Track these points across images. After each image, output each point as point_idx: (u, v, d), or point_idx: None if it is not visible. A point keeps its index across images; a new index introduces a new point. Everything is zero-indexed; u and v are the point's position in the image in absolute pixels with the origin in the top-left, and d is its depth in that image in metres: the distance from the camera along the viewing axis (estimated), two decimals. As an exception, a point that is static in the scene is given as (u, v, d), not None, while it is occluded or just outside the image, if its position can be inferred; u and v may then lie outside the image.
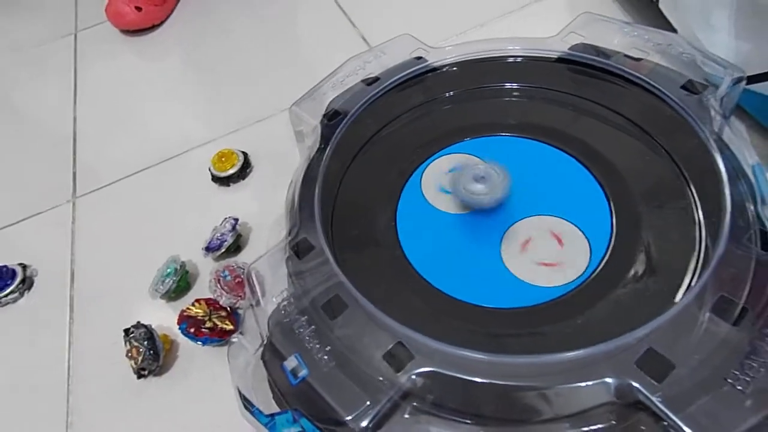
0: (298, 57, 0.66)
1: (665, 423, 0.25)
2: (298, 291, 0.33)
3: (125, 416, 0.41)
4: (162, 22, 0.74)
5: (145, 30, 0.73)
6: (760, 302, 0.27)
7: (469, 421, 0.28)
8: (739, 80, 0.37)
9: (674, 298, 0.30)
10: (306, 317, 0.32)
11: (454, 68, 0.46)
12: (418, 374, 0.28)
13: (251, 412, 0.32)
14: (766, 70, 0.40)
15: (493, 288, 0.35)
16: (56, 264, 0.52)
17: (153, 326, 0.43)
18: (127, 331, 0.42)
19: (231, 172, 0.54)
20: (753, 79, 0.41)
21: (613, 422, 0.26)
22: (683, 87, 0.37)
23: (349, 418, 0.28)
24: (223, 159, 0.55)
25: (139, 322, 0.42)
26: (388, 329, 0.30)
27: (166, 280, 0.45)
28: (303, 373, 0.30)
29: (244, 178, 0.55)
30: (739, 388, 0.24)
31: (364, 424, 0.28)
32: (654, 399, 0.25)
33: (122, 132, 0.63)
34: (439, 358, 0.28)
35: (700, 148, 0.34)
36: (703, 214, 0.33)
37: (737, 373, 0.25)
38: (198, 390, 0.41)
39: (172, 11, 0.75)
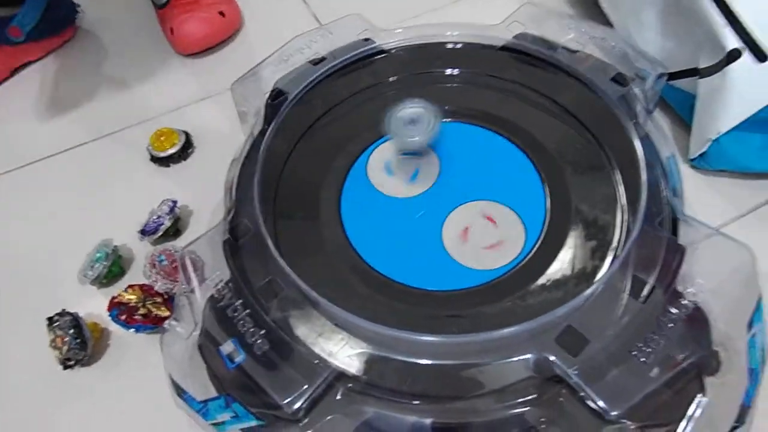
0: (245, 32, 0.64)
1: (581, 394, 0.27)
2: (234, 274, 0.33)
3: (52, 408, 0.39)
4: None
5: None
6: (666, 282, 0.29)
7: (401, 399, 0.28)
8: (662, 76, 0.39)
9: (594, 277, 0.32)
10: (242, 301, 0.31)
11: (401, 52, 0.46)
12: (352, 356, 0.28)
13: (184, 399, 0.31)
14: (687, 68, 0.42)
15: (432, 271, 0.35)
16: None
17: (81, 314, 0.41)
18: (50, 320, 0.40)
19: (171, 152, 0.52)
20: (675, 76, 0.43)
21: (535, 395, 0.28)
22: (613, 79, 0.39)
23: (283, 402, 0.28)
24: (162, 138, 0.53)
25: (64, 310, 0.40)
26: (323, 312, 0.30)
27: (96, 266, 0.42)
28: (240, 357, 0.30)
29: (185, 159, 0.53)
30: (642, 359, 0.26)
31: (296, 406, 0.28)
32: (570, 372, 0.26)
33: (51, 106, 0.59)
34: (373, 340, 0.28)
35: (624, 138, 0.36)
36: (626, 200, 0.35)
37: (642, 346, 0.27)
38: (131, 379, 0.40)
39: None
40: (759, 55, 0.36)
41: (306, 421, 0.28)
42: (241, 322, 0.30)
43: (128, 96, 0.59)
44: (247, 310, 0.30)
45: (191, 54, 0.61)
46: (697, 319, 0.29)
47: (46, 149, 0.55)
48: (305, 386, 0.28)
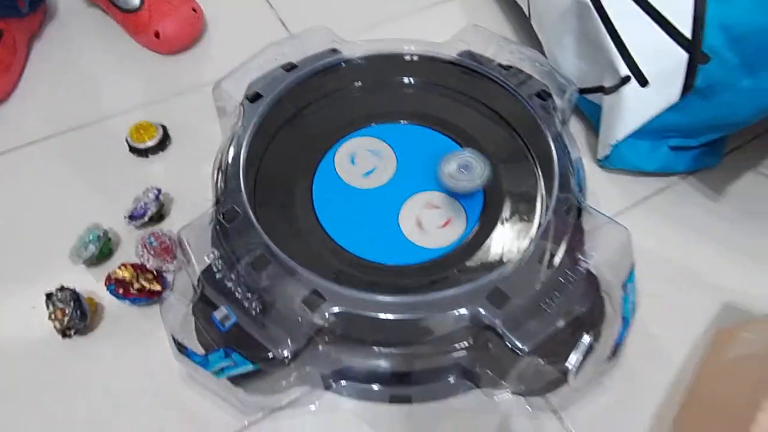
0: (215, 35, 0.68)
1: (504, 339, 0.36)
2: (227, 251, 0.39)
3: (56, 372, 0.43)
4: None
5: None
6: (570, 254, 0.39)
7: (367, 347, 0.36)
8: (575, 92, 0.49)
9: (518, 250, 0.41)
10: (235, 272, 0.37)
11: (363, 61, 0.53)
12: (329, 313, 0.36)
13: (186, 354, 0.37)
14: (596, 84, 0.53)
15: (390, 249, 0.43)
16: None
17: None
18: (49, 295, 0.44)
19: (150, 144, 0.56)
20: (585, 91, 0.53)
21: (471, 341, 0.36)
22: (537, 94, 0.48)
23: (274, 350, 0.35)
24: (141, 131, 0.57)
25: (63, 286, 0.44)
26: (304, 280, 0.37)
27: (90, 246, 0.47)
28: (231, 321, 0.37)
29: (163, 150, 0.57)
30: (547, 310, 0.36)
31: (285, 353, 0.35)
32: (495, 321, 0.35)
33: (39, 93, 0.61)
34: (345, 301, 0.36)
35: (544, 141, 0.45)
36: (544, 190, 0.45)
37: (549, 300, 0.36)
38: (127, 344, 0.45)
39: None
40: (641, 80, 0.47)
41: (292, 366, 0.35)
42: (238, 290, 0.37)
43: (105, 88, 0.62)
44: (241, 279, 0.37)
45: (172, 53, 0.65)
46: (590, 281, 0.38)
47: (27, 136, 0.57)
48: (290, 340, 0.35)
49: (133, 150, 0.57)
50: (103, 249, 0.48)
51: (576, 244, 0.39)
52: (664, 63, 0.45)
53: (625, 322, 0.39)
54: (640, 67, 0.46)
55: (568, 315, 0.36)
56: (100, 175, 0.55)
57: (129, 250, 0.49)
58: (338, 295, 0.36)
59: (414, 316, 0.36)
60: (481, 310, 0.35)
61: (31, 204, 0.53)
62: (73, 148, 0.57)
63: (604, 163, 0.54)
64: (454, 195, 0.46)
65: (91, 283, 0.48)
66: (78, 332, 0.44)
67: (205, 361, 0.37)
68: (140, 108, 0.61)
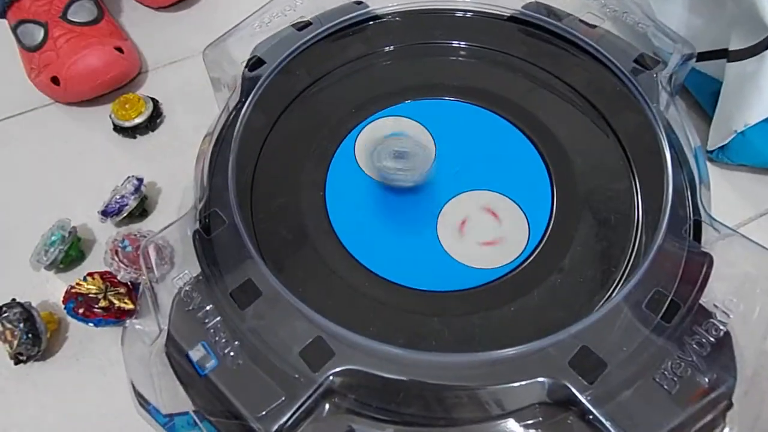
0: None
1: (591, 418, 0.24)
2: (205, 273, 0.29)
3: (3, 406, 0.35)
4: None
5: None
6: (689, 296, 0.27)
7: (393, 420, 0.25)
8: (689, 57, 0.35)
9: (609, 287, 0.29)
10: (212, 305, 0.27)
11: (397, 18, 0.41)
12: (338, 372, 0.25)
13: (147, 411, 0.28)
14: (714, 48, 0.39)
15: (426, 269, 0.32)
16: None
17: (36, 302, 0.37)
18: (1, 312, 0.35)
19: (137, 121, 0.47)
20: (701, 57, 0.39)
21: (540, 419, 0.25)
22: (635, 60, 0.35)
23: (259, 423, 0.24)
24: (127, 106, 0.47)
25: (14, 300, 0.36)
26: (306, 321, 0.26)
27: (51, 249, 0.38)
28: (211, 363, 0.27)
29: (153, 130, 0.48)
30: (666, 387, 0.24)
31: (275, 427, 0.25)
32: (583, 399, 0.24)
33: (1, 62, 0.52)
34: (362, 355, 0.25)
35: (646, 129, 0.32)
36: (642, 200, 0.32)
37: (665, 372, 0.24)
38: (90, 375, 0.36)
39: None
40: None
41: (284, 442, 0.25)
42: (212, 330, 0.27)
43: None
44: (219, 317, 0.27)
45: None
46: (723, 340, 0.26)
47: (-6, 112, 0.49)
48: (284, 403, 0.25)
49: (118, 129, 0.47)
50: (71, 252, 0.39)
51: (700, 281, 0.27)
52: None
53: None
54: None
55: (696, 395, 0.24)
56: (77, 160, 0.46)
57: (99, 254, 0.40)
58: (353, 345, 0.25)
59: (460, 383, 0.25)
60: (566, 383, 0.24)
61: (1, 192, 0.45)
62: (47, 126, 0.48)
63: (718, 156, 0.41)
64: (511, 197, 0.34)
65: (58, 294, 0.39)
66: (32, 358, 0.35)
67: (170, 425, 0.27)
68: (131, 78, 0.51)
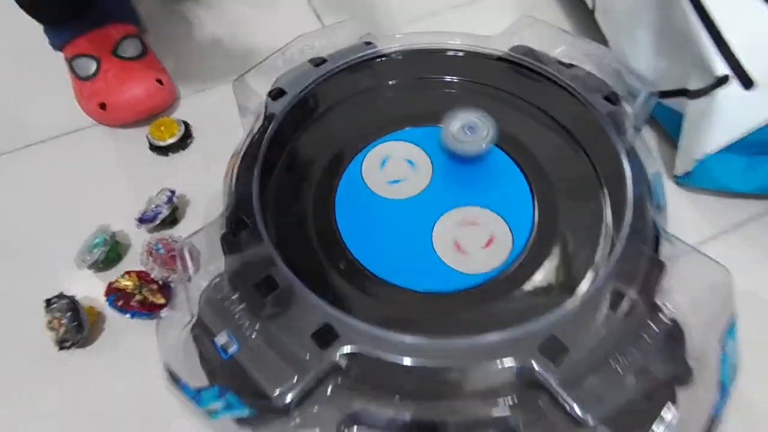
0: (247, 27, 0.64)
1: (559, 400, 0.28)
2: (231, 268, 0.34)
3: (47, 388, 0.40)
4: None
5: None
6: (646, 297, 0.31)
7: (386, 396, 0.30)
8: (652, 95, 0.40)
9: (578, 288, 0.34)
10: (237, 295, 0.32)
11: (401, 56, 0.47)
12: (343, 354, 0.30)
13: (178, 386, 0.33)
14: (677, 87, 0.44)
15: (422, 273, 0.37)
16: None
17: (78, 297, 0.42)
18: (48, 302, 0.41)
19: (170, 141, 0.53)
20: (665, 95, 0.45)
21: (515, 399, 0.29)
22: (605, 97, 0.40)
23: (274, 393, 0.29)
24: (162, 128, 0.53)
25: (62, 293, 0.41)
26: (316, 310, 0.31)
27: (94, 251, 0.43)
28: (233, 348, 0.31)
29: (184, 149, 0.54)
30: (620, 370, 0.28)
31: (287, 398, 0.29)
32: (550, 379, 0.28)
33: (53, 88, 0.59)
34: (364, 339, 0.30)
35: (613, 155, 0.37)
36: (611, 214, 0.37)
37: (620, 357, 0.28)
38: (126, 362, 0.41)
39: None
40: (746, 81, 0.38)
41: (296, 413, 0.29)
42: (237, 315, 0.31)
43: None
44: (243, 304, 0.32)
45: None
46: (674, 334, 0.30)
47: (46, 132, 0.55)
48: (296, 380, 0.29)
49: (153, 148, 0.53)
50: (110, 253, 0.45)
51: (655, 285, 0.31)
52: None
53: (724, 389, 0.30)
54: (744, 65, 0.38)
55: (646, 378, 0.28)
56: (117, 174, 0.52)
57: (135, 256, 0.45)
58: (355, 331, 0.30)
59: (445, 364, 0.29)
60: (534, 364, 0.28)
61: (45, 202, 0.50)
62: (92, 144, 0.54)
63: (684, 181, 0.45)
64: (498, 211, 0.39)
65: (97, 290, 0.44)
66: (75, 345, 0.40)
67: (197, 397, 0.31)
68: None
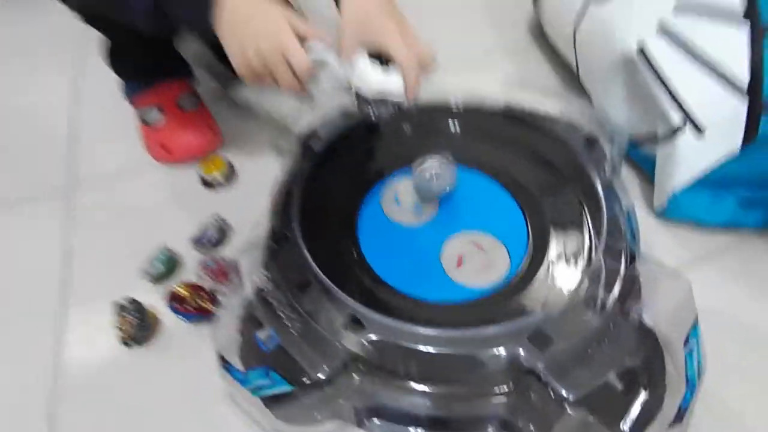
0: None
1: (547, 386, 0.34)
2: (275, 273, 0.41)
3: (113, 380, 0.47)
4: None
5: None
6: (622, 302, 0.38)
7: (403, 380, 0.36)
8: (626, 140, 0.49)
9: (563, 294, 0.40)
10: (281, 293, 0.39)
11: (414, 108, 0.56)
12: (367, 341, 0.36)
13: (228, 370, 0.39)
14: (649, 134, 0.52)
15: (432, 286, 0.44)
16: (51, 248, 0.57)
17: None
18: (121, 306, 0.48)
19: (217, 177, 0.62)
20: (640, 142, 0.53)
21: (511, 385, 0.35)
22: (586, 140, 0.48)
23: (310, 371, 0.36)
24: (211, 165, 0.62)
25: (133, 299, 0.48)
26: (345, 306, 0.38)
27: (157, 265, 0.51)
28: (273, 341, 0.38)
29: (229, 183, 0.63)
30: (596, 358, 0.34)
31: (323, 376, 0.36)
32: (537, 364, 0.34)
33: (121, 134, 0.69)
34: (383, 329, 0.37)
35: (593, 189, 0.45)
36: (594, 236, 0.44)
37: (597, 347, 0.35)
38: (178, 359, 0.47)
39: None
40: (696, 130, 0.46)
41: (329, 388, 0.36)
42: (280, 309, 0.38)
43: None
44: (285, 300, 0.39)
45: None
46: (645, 333, 0.36)
47: (114, 167, 0.65)
48: (327, 361, 0.36)
49: (203, 181, 0.62)
50: (169, 269, 0.52)
51: (629, 293, 0.38)
52: (721, 112, 0.45)
53: (691, 384, 0.36)
54: (694, 117, 0.46)
55: (619, 366, 0.34)
56: (174, 203, 0.61)
57: (187, 271, 0.53)
58: (377, 323, 0.37)
59: (451, 350, 0.36)
60: (521, 350, 0.34)
61: (116, 224, 0.59)
62: (152, 179, 0.64)
63: (663, 214, 0.52)
64: (496, 236, 0.46)
65: (152, 299, 0.51)
66: (138, 342, 0.47)
67: (245, 378, 0.38)
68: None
